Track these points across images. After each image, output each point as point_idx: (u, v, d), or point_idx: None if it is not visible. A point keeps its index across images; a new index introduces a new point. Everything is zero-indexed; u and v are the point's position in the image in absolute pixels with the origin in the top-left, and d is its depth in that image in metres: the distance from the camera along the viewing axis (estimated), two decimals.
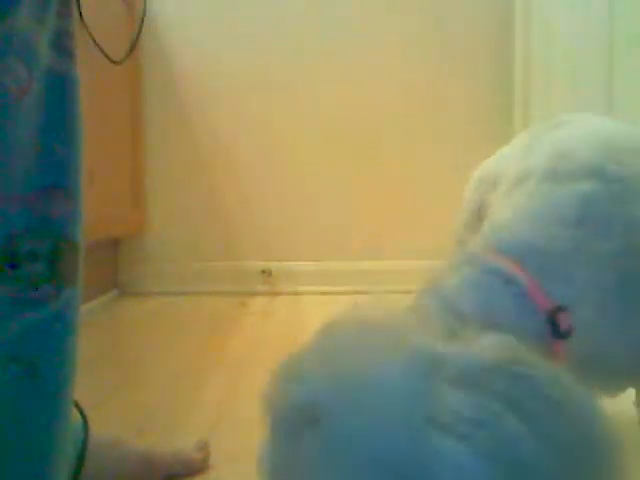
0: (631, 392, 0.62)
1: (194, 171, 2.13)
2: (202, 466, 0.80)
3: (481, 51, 2.11)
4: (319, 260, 2.11)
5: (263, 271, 2.09)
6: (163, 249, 2.14)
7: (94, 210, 1.77)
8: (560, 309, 0.44)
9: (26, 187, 0.54)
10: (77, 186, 0.58)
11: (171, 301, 2.00)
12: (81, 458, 0.70)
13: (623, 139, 0.57)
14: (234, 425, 0.94)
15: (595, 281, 0.46)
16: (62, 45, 0.58)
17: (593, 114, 0.70)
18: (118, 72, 1.85)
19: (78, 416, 0.74)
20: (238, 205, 2.14)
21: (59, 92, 0.58)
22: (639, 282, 0.47)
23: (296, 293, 2.06)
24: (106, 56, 1.72)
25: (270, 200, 2.13)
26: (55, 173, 0.57)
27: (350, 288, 2.05)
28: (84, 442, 0.72)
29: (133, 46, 1.95)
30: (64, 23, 0.58)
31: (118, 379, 1.20)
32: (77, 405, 0.75)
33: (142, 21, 1.99)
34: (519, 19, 2.02)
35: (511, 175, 0.57)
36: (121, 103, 1.95)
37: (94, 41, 1.63)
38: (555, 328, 0.43)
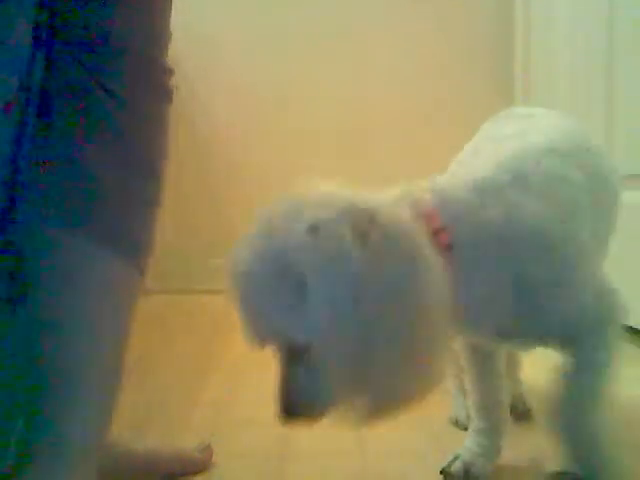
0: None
1: (197, 168, 2.13)
2: (204, 466, 0.80)
3: (481, 49, 2.11)
4: None
5: None
6: (165, 246, 2.14)
7: None
8: (442, 229, 0.60)
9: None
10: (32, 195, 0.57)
11: (173, 299, 1.99)
12: None
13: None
14: (234, 425, 0.94)
15: (474, 227, 0.62)
16: None
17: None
18: None
19: None
20: (241, 203, 2.14)
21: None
22: (509, 244, 0.62)
23: None
24: None
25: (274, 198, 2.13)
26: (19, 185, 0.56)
27: None
28: None
29: None
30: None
31: None
32: None
33: None
34: (519, 16, 2.02)
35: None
36: None
37: None
38: (438, 242, 0.59)
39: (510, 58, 2.05)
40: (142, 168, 0.58)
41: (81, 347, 0.54)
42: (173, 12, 0.61)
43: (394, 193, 0.62)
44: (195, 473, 0.79)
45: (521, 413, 0.94)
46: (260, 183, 2.13)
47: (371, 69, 2.11)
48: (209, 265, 2.11)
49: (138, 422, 0.96)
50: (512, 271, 0.62)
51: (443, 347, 0.56)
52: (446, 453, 0.80)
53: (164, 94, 0.61)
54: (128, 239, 0.56)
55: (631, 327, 1.33)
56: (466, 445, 0.79)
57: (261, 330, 0.55)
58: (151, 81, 0.59)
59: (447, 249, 0.59)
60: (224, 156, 2.14)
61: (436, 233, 0.60)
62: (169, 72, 0.61)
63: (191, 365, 1.28)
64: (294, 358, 0.55)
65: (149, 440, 0.88)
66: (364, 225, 0.53)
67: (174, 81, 0.62)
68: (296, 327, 0.52)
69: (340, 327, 0.51)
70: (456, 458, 0.78)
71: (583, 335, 0.66)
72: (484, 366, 0.79)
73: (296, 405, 0.56)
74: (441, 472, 0.78)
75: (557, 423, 0.67)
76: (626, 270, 1.37)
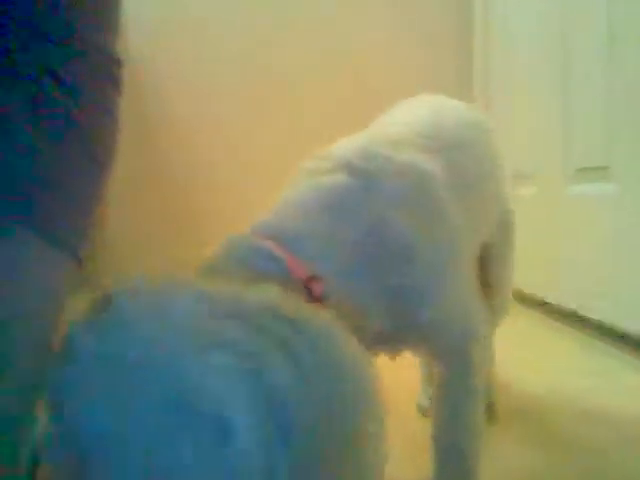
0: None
1: (157, 164, 2.10)
2: None
3: (442, 35, 2.12)
4: None
5: None
6: (125, 242, 2.10)
7: None
8: (313, 278, 0.51)
9: None
10: None
11: None
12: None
13: (386, 134, 0.68)
14: None
15: (342, 257, 0.55)
16: None
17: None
18: None
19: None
20: (205, 198, 2.11)
21: None
22: (377, 260, 0.57)
23: None
24: None
25: (242, 197, 2.11)
26: None
27: None
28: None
29: None
30: None
31: None
32: None
33: None
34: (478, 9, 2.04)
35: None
36: None
37: None
38: (310, 294, 0.51)
39: (470, 52, 2.08)
40: (91, 159, 0.56)
41: None
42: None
43: (230, 259, 0.51)
44: None
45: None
46: (226, 179, 2.11)
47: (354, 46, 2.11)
48: (175, 260, 2.09)
49: None
50: (381, 287, 0.57)
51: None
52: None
53: (114, 85, 0.59)
54: (70, 232, 0.55)
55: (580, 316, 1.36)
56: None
57: None
58: (101, 71, 0.57)
59: (320, 299, 0.51)
60: (182, 151, 2.11)
61: (307, 284, 0.51)
62: (118, 63, 0.60)
63: None
64: None
65: None
66: (289, 337, 0.39)
67: (123, 72, 0.60)
68: None
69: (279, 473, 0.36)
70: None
71: (447, 349, 0.64)
72: None
73: None
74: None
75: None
76: (576, 260, 1.40)
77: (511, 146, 1.75)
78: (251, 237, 0.54)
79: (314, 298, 0.51)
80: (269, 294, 0.42)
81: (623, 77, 1.20)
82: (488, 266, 0.89)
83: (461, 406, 0.63)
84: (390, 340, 0.61)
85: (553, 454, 0.79)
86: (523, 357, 1.14)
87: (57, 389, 0.37)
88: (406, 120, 0.72)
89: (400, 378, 0.86)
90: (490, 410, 0.94)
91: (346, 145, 0.63)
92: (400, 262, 0.57)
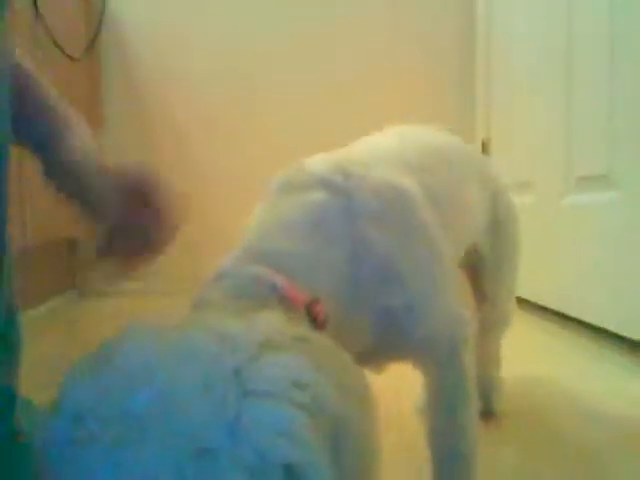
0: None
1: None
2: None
3: (445, 51, 2.13)
4: None
5: None
6: None
7: (50, 209, 1.72)
8: (314, 302, 0.50)
9: None
10: None
11: (132, 301, 1.96)
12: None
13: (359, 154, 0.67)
14: None
15: (332, 280, 0.54)
16: None
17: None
18: (76, 69, 1.81)
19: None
20: (198, 202, 2.11)
21: None
22: (363, 282, 0.56)
23: None
24: (63, 52, 1.68)
25: (234, 198, 2.11)
26: None
27: None
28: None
29: (92, 42, 1.91)
30: None
31: None
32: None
33: (101, 17, 1.95)
34: (481, 31, 2.05)
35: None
36: (78, 101, 1.91)
37: (51, 36, 1.59)
38: (313, 319, 0.49)
39: (472, 67, 2.08)
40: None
41: None
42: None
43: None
44: None
45: (482, 411, 0.95)
46: (220, 185, 2.11)
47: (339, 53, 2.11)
48: (169, 265, 2.09)
49: None
50: (369, 308, 0.57)
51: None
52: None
53: None
54: None
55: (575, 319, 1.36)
56: None
57: None
58: None
59: (323, 323, 0.50)
60: (181, 155, 2.11)
61: (309, 308, 0.50)
62: None
63: None
64: None
65: None
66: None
67: None
68: None
69: None
70: None
71: (438, 359, 0.64)
72: None
73: None
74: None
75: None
76: (577, 268, 1.40)
77: (512, 154, 1.76)
78: (244, 265, 0.52)
79: (318, 322, 0.50)
80: (274, 319, 0.39)
81: (625, 85, 1.20)
82: (481, 277, 0.88)
83: (455, 410, 0.64)
84: (378, 356, 0.62)
85: (554, 457, 0.80)
86: (524, 360, 1.14)
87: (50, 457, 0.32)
88: (371, 147, 0.72)
89: (400, 378, 0.86)
90: (492, 413, 0.94)
91: (319, 161, 0.62)
92: (386, 283, 0.58)
